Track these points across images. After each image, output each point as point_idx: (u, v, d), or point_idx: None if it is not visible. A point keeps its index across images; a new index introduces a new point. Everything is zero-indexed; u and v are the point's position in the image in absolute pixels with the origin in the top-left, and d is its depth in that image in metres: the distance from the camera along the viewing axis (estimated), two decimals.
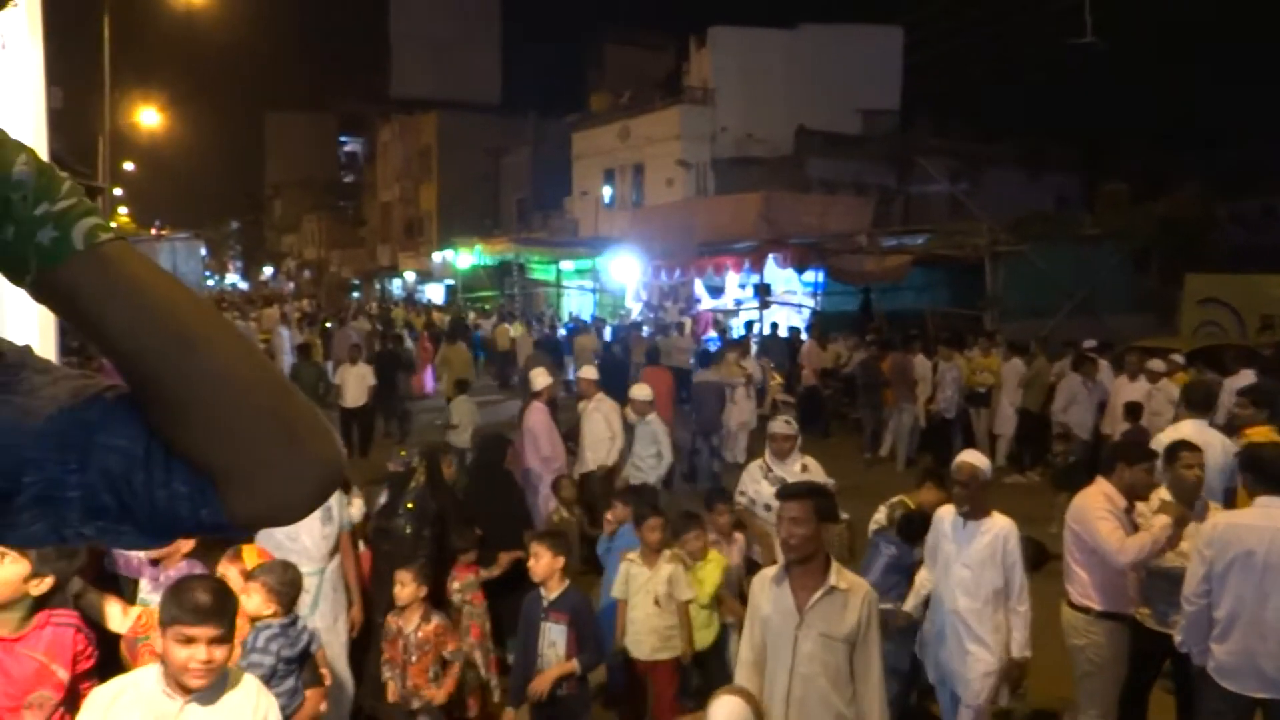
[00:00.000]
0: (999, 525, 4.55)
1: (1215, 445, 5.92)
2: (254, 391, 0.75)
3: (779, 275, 19.61)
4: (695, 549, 5.20)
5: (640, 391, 8.87)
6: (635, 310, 24.12)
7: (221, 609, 2.64)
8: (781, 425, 6.44)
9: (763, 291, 18.77)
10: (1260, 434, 6.10)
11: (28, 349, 0.81)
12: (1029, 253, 16.61)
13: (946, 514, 4.80)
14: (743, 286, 20.66)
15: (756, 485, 6.23)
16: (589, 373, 9.43)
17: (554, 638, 4.46)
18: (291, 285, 53.95)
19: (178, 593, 2.62)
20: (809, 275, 19.52)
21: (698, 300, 22.02)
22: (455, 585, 5.42)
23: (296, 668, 3.80)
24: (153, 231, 34.85)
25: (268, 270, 65.68)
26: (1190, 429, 6.01)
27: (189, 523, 0.77)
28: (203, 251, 35.17)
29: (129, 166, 43.26)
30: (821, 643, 3.55)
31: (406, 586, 4.72)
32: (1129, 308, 16.67)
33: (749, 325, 18.51)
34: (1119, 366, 11.45)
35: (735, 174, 26.01)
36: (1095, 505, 4.55)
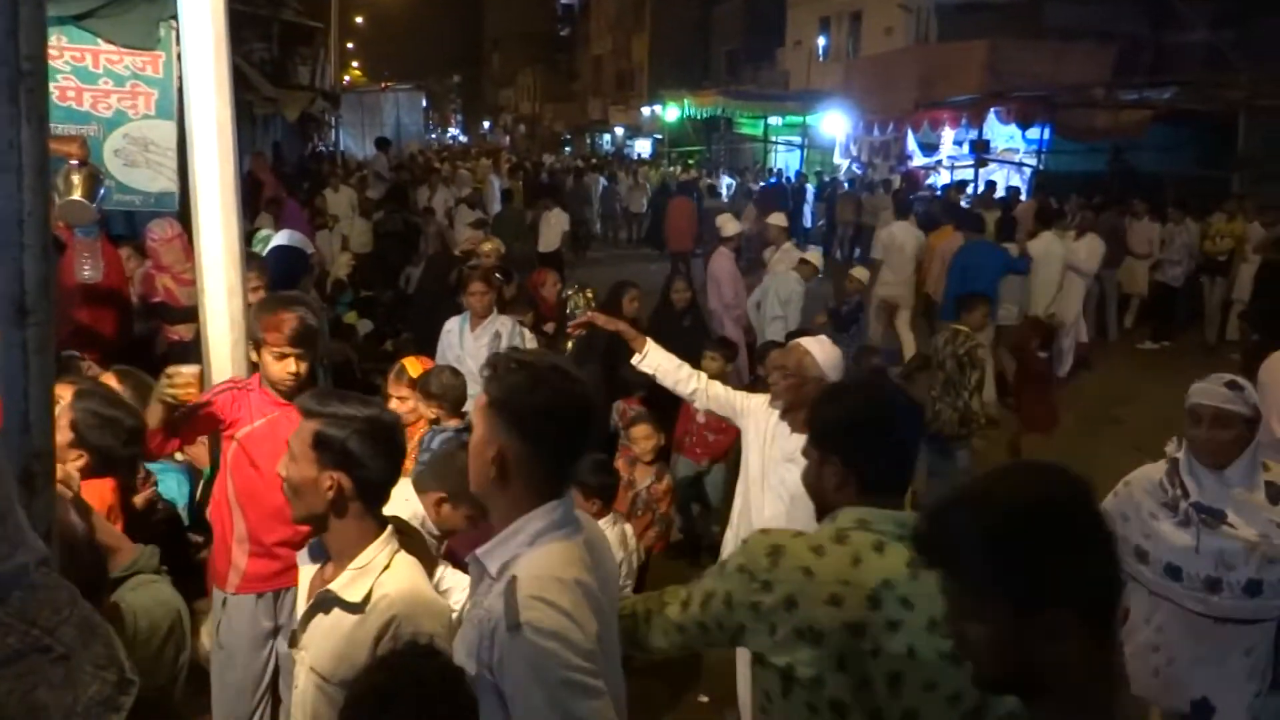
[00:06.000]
0: None
1: None
2: None
3: (1000, 132, 18.28)
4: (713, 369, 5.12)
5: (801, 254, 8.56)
6: (843, 167, 23.28)
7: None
8: (1218, 391, 2.94)
9: (979, 148, 17.58)
10: None
11: None
12: None
13: (763, 406, 3.59)
14: (959, 144, 19.43)
15: (1147, 525, 3.08)
16: (779, 219, 9.27)
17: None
18: (508, 139, 55.40)
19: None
20: (1033, 132, 18.06)
21: (910, 156, 20.94)
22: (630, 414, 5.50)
23: None
24: (381, 86, 36.34)
25: (485, 124, 67.56)
26: None
27: None
28: (424, 103, 36.55)
29: (359, 20, 44.92)
30: (312, 683, 2.14)
31: (651, 439, 4.78)
32: None
33: (961, 184, 17.49)
34: None
35: (961, 21, 24.04)
36: None
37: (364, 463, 2.07)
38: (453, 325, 5.73)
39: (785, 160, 27.26)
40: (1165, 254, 12.20)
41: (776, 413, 3.50)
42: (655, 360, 3.64)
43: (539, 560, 1.83)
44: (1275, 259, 11.10)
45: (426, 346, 5.99)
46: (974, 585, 1.36)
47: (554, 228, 13.31)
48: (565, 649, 1.73)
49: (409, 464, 4.36)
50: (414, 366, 4.46)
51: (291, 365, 3.14)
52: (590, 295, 6.00)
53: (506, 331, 5.58)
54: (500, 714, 1.78)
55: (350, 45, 43.66)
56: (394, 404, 4.47)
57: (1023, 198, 15.84)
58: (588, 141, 46.88)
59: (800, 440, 3.08)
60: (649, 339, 3.71)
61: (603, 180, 24.27)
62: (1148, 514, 3.07)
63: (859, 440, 2.03)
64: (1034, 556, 1.30)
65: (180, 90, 3.80)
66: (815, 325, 7.45)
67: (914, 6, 25.32)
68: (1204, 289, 12.27)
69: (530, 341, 5.78)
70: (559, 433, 1.86)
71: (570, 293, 6.05)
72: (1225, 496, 2.93)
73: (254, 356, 3.24)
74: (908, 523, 1.89)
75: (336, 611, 2.10)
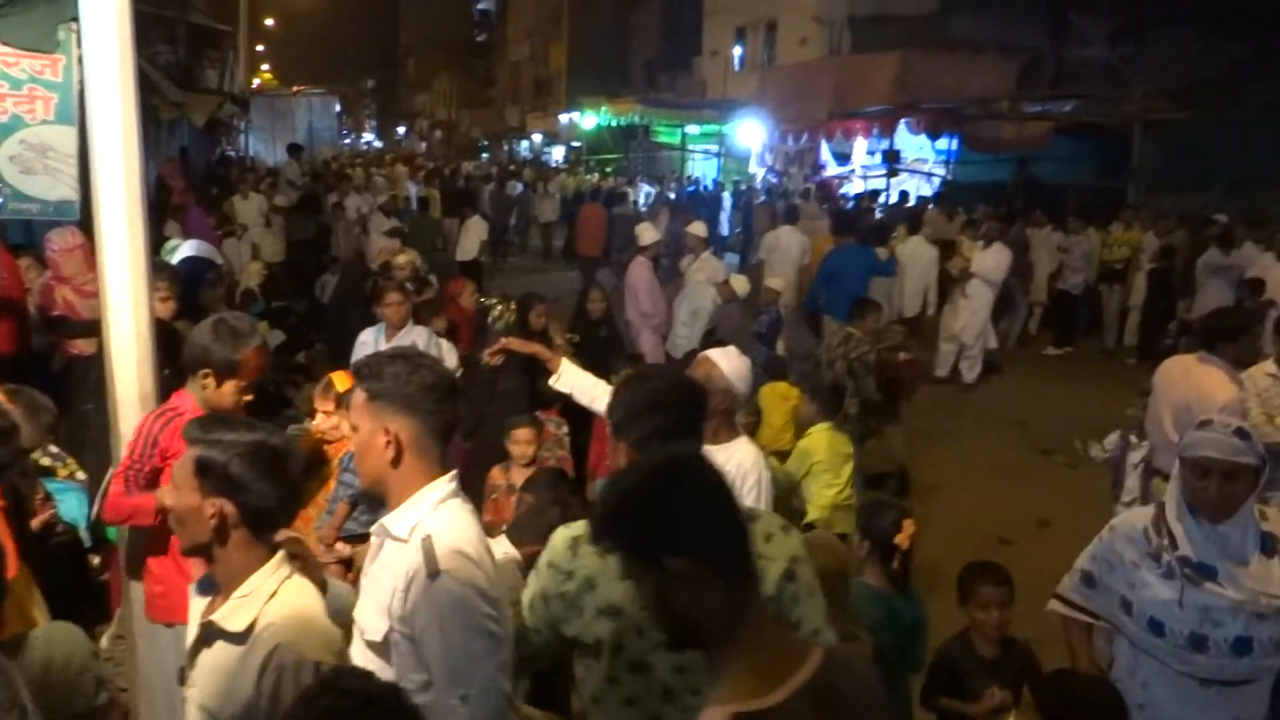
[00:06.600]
0: (740, 454, 3.25)
1: None
2: None
3: (910, 142, 18.74)
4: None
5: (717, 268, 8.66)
6: (759, 176, 23.59)
7: None
8: (1229, 442, 2.69)
9: (891, 158, 17.99)
10: None
11: None
12: (1187, 123, 15.32)
13: None
14: (871, 153, 19.86)
15: (1130, 576, 2.89)
16: (698, 228, 9.32)
17: None
18: (423, 145, 54.74)
19: None
20: (942, 143, 18.57)
21: (823, 166, 21.32)
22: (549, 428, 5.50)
23: None
24: (293, 89, 35.60)
25: (401, 130, 66.66)
26: None
27: None
28: (337, 107, 35.92)
29: (270, 23, 43.97)
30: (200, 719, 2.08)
31: (532, 444, 4.78)
32: None
33: (874, 194, 17.88)
34: (1271, 247, 10.68)
35: (873, 33, 24.57)
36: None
37: (247, 487, 2.00)
38: (367, 337, 5.66)
39: (703, 169, 27.51)
40: (1066, 262, 12.65)
41: None
42: (570, 380, 3.67)
43: (449, 520, 2.06)
44: (1164, 267, 11.63)
45: (340, 357, 5.90)
46: (625, 552, 1.59)
47: (472, 236, 13.21)
48: (478, 596, 1.97)
49: (332, 482, 4.30)
50: (342, 381, 4.38)
51: (249, 395, 3.10)
52: (514, 307, 5.96)
53: (423, 342, 5.52)
54: (410, 663, 1.98)
55: (260, 48, 42.68)
56: (320, 419, 4.41)
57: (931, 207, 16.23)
58: (505, 148, 46.59)
59: (711, 450, 3.16)
60: (564, 359, 3.73)
61: (519, 185, 24.17)
62: (1130, 564, 2.85)
63: (636, 422, 2.29)
64: (649, 515, 1.55)
65: (81, 95, 3.68)
66: (731, 331, 7.51)
67: (828, 19, 25.81)
68: (1103, 296, 12.76)
69: (448, 353, 5.73)
70: (442, 406, 2.09)
71: (494, 301, 6.01)
72: (1218, 553, 2.70)
73: (208, 385, 3.11)
74: None
75: (220, 644, 2.03)
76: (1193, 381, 4.58)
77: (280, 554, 2.10)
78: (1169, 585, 2.73)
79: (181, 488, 2.03)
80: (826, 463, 4.99)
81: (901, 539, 3.46)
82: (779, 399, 5.93)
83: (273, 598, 2.03)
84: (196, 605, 2.17)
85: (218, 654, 2.03)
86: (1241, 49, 24.85)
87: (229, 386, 3.07)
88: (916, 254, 10.79)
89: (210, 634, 2.04)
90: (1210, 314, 5.64)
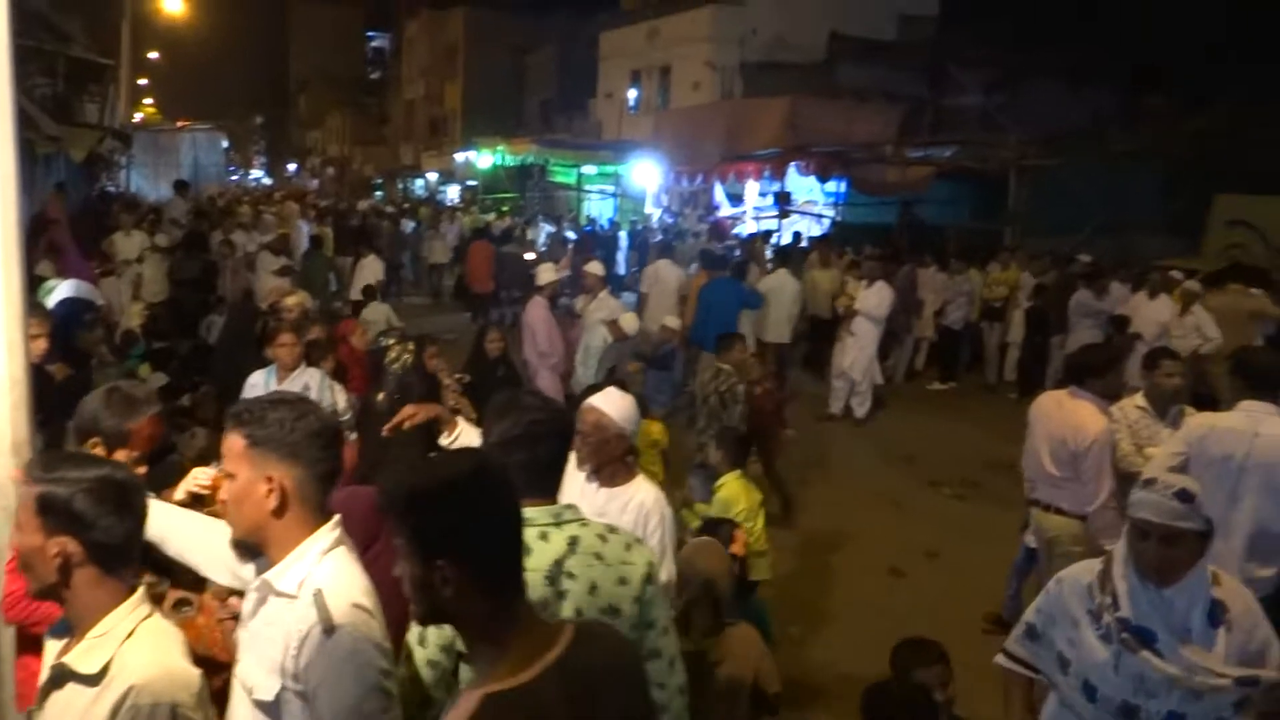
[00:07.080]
0: (640, 495, 3.23)
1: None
2: None
3: (801, 184, 19.28)
4: None
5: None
6: (654, 216, 23.92)
7: None
8: (1169, 506, 2.66)
9: (782, 200, 18.48)
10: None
11: None
12: (1057, 169, 16.22)
13: (573, 466, 3.03)
14: (763, 195, 20.35)
15: (1070, 632, 2.82)
16: (595, 267, 9.39)
17: None
18: (315, 182, 53.82)
19: None
20: (831, 185, 19.17)
21: (717, 207, 21.75)
22: None
23: None
24: (178, 124, 34.60)
25: (291, 167, 65.44)
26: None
27: None
28: (224, 144, 35.05)
29: (154, 56, 42.74)
30: None
31: None
32: (1158, 229, 16.29)
33: (767, 234, 18.30)
34: (1138, 286, 11.34)
35: (764, 79, 25.35)
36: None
37: (93, 523, 1.93)
38: (258, 379, 5.52)
39: (599, 209, 27.75)
40: (949, 299, 13.19)
41: (582, 478, 3.33)
42: (465, 441, 3.62)
43: (337, 572, 2.02)
44: (1040, 305, 12.22)
45: (228, 400, 5.73)
46: (401, 537, 1.67)
47: (367, 275, 13.02)
48: (374, 650, 1.95)
49: None
50: None
51: (141, 466, 2.95)
52: (411, 348, 5.88)
53: (315, 384, 5.42)
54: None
55: (144, 81, 41.41)
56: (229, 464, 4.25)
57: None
58: (400, 187, 46.15)
59: (608, 495, 3.22)
60: (460, 419, 3.68)
61: (411, 224, 23.87)
62: (1071, 621, 2.75)
63: (509, 452, 2.38)
64: (428, 520, 1.65)
65: None
66: (628, 374, 7.59)
67: (720, 64, 26.48)
68: (984, 333, 13.33)
69: (340, 394, 5.63)
70: (327, 454, 2.07)
71: (392, 342, 5.91)
72: (1160, 620, 2.59)
73: (95, 450, 2.95)
74: (561, 513, 2.36)
75: (71, 686, 1.95)
76: (1065, 415, 4.83)
77: (140, 592, 2.03)
78: (1106, 647, 2.64)
79: (24, 528, 1.94)
80: (747, 510, 5.06)
81: (736, 548, 4.01)
82: (641, 434, 6.01)
83: (129, 638, 1.95)
84: (51, 649, 2.08)
85: (69, 696, 1.94)
86: (1107, 101, 26.54)
87: (119, 456, 2.94)
88: (782, 286, 11.38)
89: (61, 675, 1.96)
90: (1079, 350, 5.95)
